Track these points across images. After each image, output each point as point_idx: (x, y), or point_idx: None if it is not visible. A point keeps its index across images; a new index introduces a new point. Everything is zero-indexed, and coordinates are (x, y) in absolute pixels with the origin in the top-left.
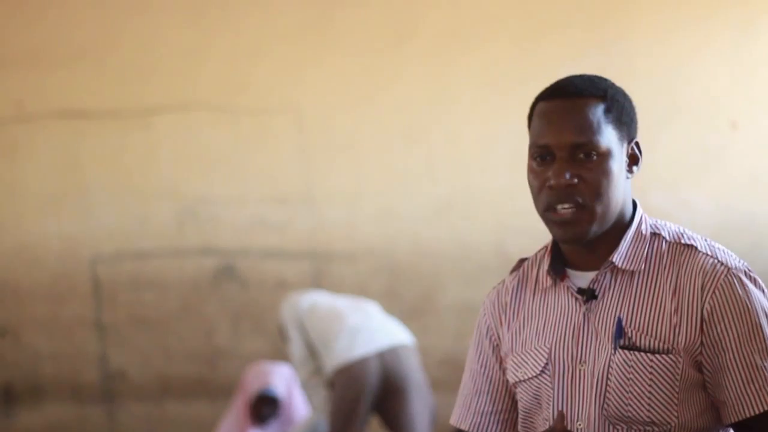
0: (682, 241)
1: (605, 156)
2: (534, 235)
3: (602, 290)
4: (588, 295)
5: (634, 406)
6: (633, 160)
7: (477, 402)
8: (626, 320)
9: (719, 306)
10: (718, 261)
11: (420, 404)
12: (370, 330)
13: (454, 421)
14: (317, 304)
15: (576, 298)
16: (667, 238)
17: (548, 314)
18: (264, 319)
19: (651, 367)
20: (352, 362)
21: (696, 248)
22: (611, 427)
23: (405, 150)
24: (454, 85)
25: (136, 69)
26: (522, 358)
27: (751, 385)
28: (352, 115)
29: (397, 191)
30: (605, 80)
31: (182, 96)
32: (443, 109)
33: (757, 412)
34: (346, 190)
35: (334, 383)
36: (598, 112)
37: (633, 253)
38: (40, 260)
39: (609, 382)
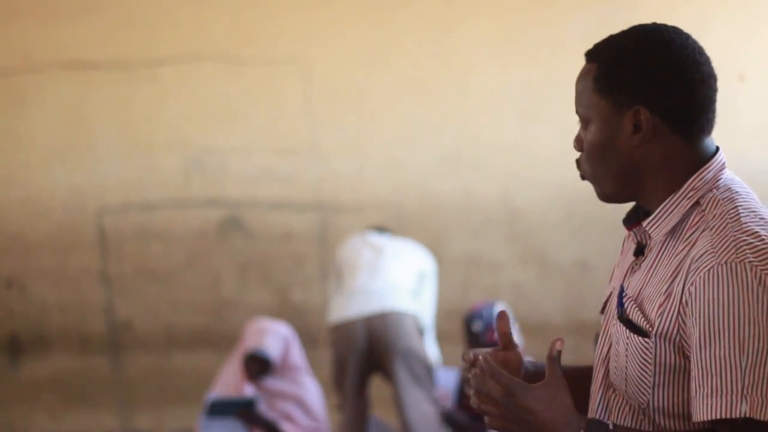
0: (708, 219)
1: (595, 125)
2: (541, 186)
3: (647, 251)
4: (636, 251)
5: (618, 378)
6: (636, 127)
7: None
8: (629, 290)
9: (693, 298)
10: (721, 247)
11: (410, 371)
12: (364, 293)
13: None
14: (340, 257)
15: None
16: (706, 210)
17: (625, 260)
18: (270, 271)
19: (627, 344)
20: (339, 324)
21: (712, 229)
22: (610, 389)
23: (412, 101)
24: (463, 37)
25: (144, 20)
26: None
27: (702, 389)
28: (359, 66)
29: (404, 142)
30: (616, 41)
31: (189, 47)
32: (451, 61)
33: (703, 419)
34: (352, 141)
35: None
36: (588, 78)
37: (662, 222)
38: (47, 211)
39: (610, 345)
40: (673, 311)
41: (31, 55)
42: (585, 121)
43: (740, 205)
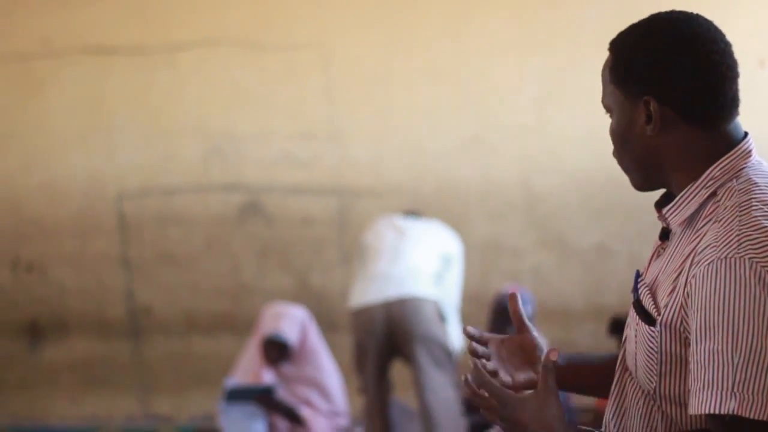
0: (720, 211)
1: (615, 115)
2: (559, 171)
3: (671, 236)
4: (662, 236)
5: (630, 361)
6: (648, 118)
7: None
8: (647, 278)
9: (693, 291)
10: (722, 243)
11: (430, 356)
12: (385, 278)
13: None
14: (364, 240)
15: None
16: (721, 201)
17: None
18: (289, 255)
19: (640, 332)
20: (359, 309)
21: (720, 221)
22: (625, 372)
23: (431, 86)
24: (482, 22)
25: (162, 5)
26: None
27: (696, 383)
28: (378, 52)
29: (423, 127)
30: (630, 31)
31: (208, 32)
32: (470, 46)
33: (695, 413)
34: (371, 126)
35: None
36: (607, 70)
37: (679, 211)
38: (67, 196)
39: (629, 329)
40: (678, 302)
41: (49, 41)
42: (608, 111)
43: (755, 197)
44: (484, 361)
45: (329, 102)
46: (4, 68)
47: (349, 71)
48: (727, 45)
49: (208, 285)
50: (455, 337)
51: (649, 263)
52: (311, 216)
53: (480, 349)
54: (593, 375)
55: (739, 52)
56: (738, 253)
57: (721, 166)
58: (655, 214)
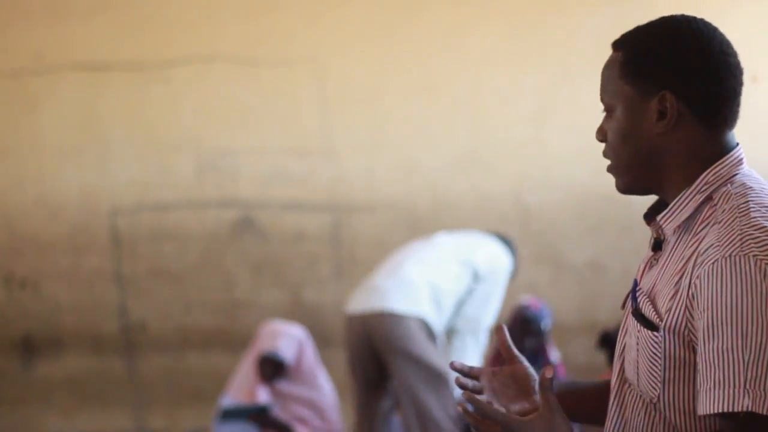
0: (719, 214)
1: (619, 112)
2: (553, 187)
3: (664, 245)
4: (654, 246)
5: (630, 371)
6: (661, 114)
7: None
8: (642, 284)
9: (699, 291)
10: (725, 242)
11: (411, 373)
12: (373, 290)
13: None
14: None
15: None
16: (718, 205)
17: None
18: (283, 271)
19: (638, 338)
20: (346, 318)
21: (720, 222)
22: (625, 384)
23: (425, 102)
24: (476, 38)
25: (156, 21)
26: None
27: (706, 383)
28: (372, 67)
29: (417, 143)
30: (643, 29)
31: (202, 48)
32: (464, 61)
33: (706, 413)
34: (366, 141)
35: None
36: (614, 67)
37: (675, 216)
38: (60, 212)
39: (626, 339)
40: (681, 305)
41: (43, 56)
42: (610, 110)
43: (752, 200)
44: (480, 368)
45: (324, 117)
46: None
47: (344, 87)
48: (736, 51)
49: (202, 300)
50: (467, 356)
51: (642, 273)
52: (305, 231)
53: (469, 383)
54: (587, 401)
55: None
56: (742, 251)
57: (715, 171)
58: (649, 230)
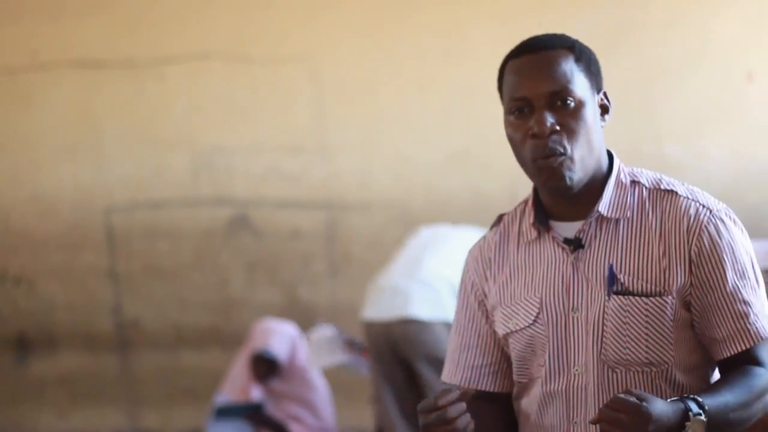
0: (662, 187)
1: (581, 103)
2: None
3: (588, 239)
4: (575, 244)
5: (632, 349)
6: (604, 109)
7: (467, 356)
8: (617, 266)
9: (706, 247)
10: (700, 204)
11: (432, 379)
12: (393, 293)
13: (445, 377)
14: (404, 244)
15: (563, 248)
16: (647, 185)
17: (535, 266)
18: (277, 269)
19: (646, 309)
20: (365, 323)
21: (676, 193)
22: (610, 371)
23: (420, 99)
24: (469, 34)
25: (151, 19)
26: (512, 310)
27: (740, 322)
28: (366, 64)
29: (411, 140)
30: (569, 36)
31: (197, 46)
32: (458, 58)
33: (746, 347)
34: (360, 139)
35: None
36: (569, 61)
37: (617, 202)
38: (55, 209)
39: (605, 327)
40: (683, 266)
41: (38, 54)
42: (568, 98)
43: (663, 178)
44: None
45: (318, 115)
46: None
47: (338, 84)
48: None
49: (197, 298)
50: None
51: (564, 276)
52: (300, 229)
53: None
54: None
55: (726, 65)
56: (718, 208)
57: (619, 162)
58: None
